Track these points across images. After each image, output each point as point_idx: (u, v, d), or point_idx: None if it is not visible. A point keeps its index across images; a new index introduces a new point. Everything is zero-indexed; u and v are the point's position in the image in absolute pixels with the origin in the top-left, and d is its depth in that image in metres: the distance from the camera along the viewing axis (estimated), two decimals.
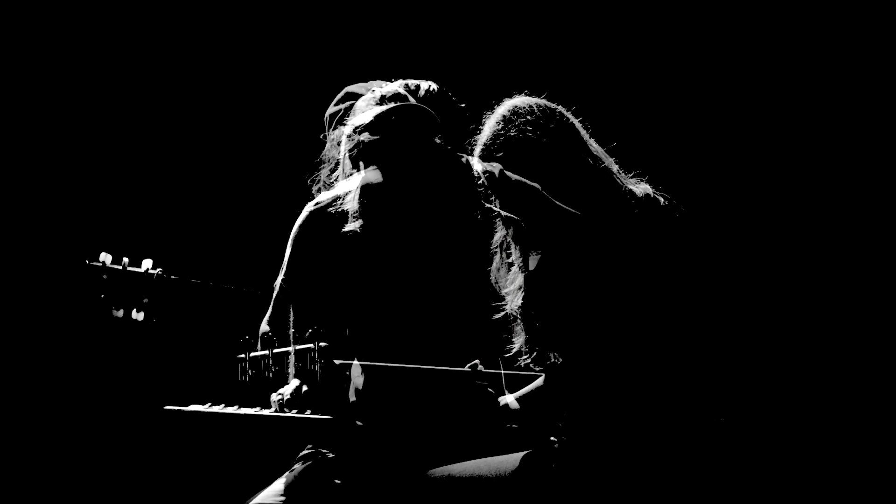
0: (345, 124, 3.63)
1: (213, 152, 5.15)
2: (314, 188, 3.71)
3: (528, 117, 2.95)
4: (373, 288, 3.16)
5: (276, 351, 3.60)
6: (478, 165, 2.90)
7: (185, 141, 5.14)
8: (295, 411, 3.02)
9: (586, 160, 2.94)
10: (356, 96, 3.69)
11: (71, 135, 5.05)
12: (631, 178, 3.02)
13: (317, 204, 3.29)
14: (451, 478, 2.81)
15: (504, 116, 2.96)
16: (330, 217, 3.22)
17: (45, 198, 5.01)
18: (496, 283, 2.99)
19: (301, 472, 3.02)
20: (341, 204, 3.22)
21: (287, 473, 3.03)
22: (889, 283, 4.60)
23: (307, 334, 3.58)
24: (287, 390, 3.05)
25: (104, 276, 3.47)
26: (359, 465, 2.95)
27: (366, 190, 3.19)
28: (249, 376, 3.56)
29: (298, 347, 3.55)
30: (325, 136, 3.73)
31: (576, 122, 3.01)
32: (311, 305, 3.20)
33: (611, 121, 3.16)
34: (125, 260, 3.56)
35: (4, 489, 4.89)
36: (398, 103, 3.15)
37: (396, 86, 3.27)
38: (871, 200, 4.67)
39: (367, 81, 3.76)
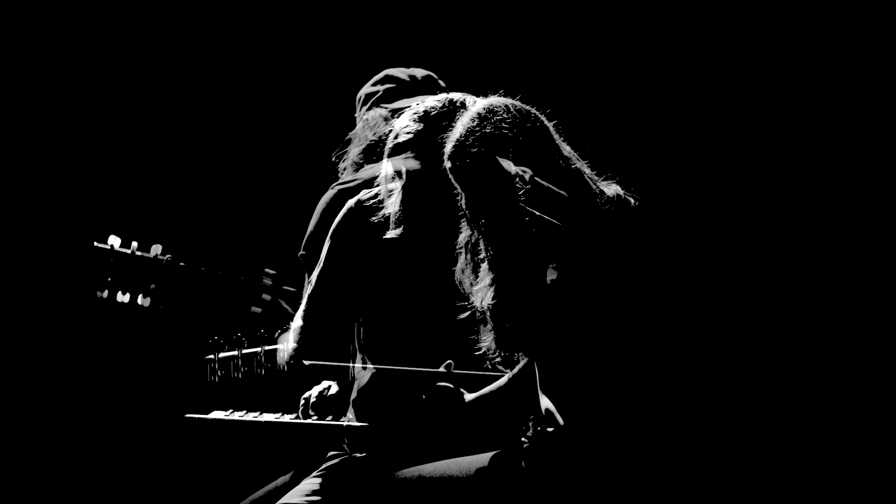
0: (381, 107, 3.56)
1: (231, 141, 5.05)
2: (341, 165, 3.63)
3: (504, 116, 2.94)
4: (405, 292, 3.14)
5: (245, 351, 3.58)
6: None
7: (203, 129, 4.95)
8: (315, 417, 3.06)
9: (557, 161, 2.93)
10: (394, 79, 3.61)
11: (91, 117, 4.84)
12: (602, 180, 3.01)
13: (358, 201, 3.21)
14: (421, 478, 2.85)
15: (479, 114, 2.93)
16: (371, 215, 3.16)
17: (59, 179, 4.82)
18: (460, 283, 2.99)
19: (328, 473, 3.03)
20: (382, 205, 3.15)
21: (314, 473, 3.07)
22: (865, 282, 4.64)
23: (276, 335, 3.56)
24: (314, 392, 3.09)
25: (111, 260, 3.44)
26: (382, 465, 2.99)
27: (408, 196, 3.13)
28: (219, 377, 3.55)
29: (268, 348, 3.54)
30: (357, 116, 3.63)
31: (548, 123, 2.99)
32: (342, 303, 3.15)
33: (584, 124, 3.15)
34: (134, 244, 3.53)
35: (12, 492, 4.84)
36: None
37: (439, 100, 3.24)
38: (848, 197, 4.69)
39: (407, 67, 3.65)
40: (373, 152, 3.56)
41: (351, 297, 3.15)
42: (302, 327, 3.14)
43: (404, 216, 3.12)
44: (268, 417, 3.00)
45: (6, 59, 4.88)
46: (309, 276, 3.33)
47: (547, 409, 2.85)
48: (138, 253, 3.46)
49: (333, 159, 3.68)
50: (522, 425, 2.91)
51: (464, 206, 2.92)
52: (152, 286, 3.48)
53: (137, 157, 5.00)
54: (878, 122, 4.64)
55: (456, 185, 2.91)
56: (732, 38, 4.81)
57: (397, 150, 3.16)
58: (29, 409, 4.89)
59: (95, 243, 3.42)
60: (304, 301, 3.23)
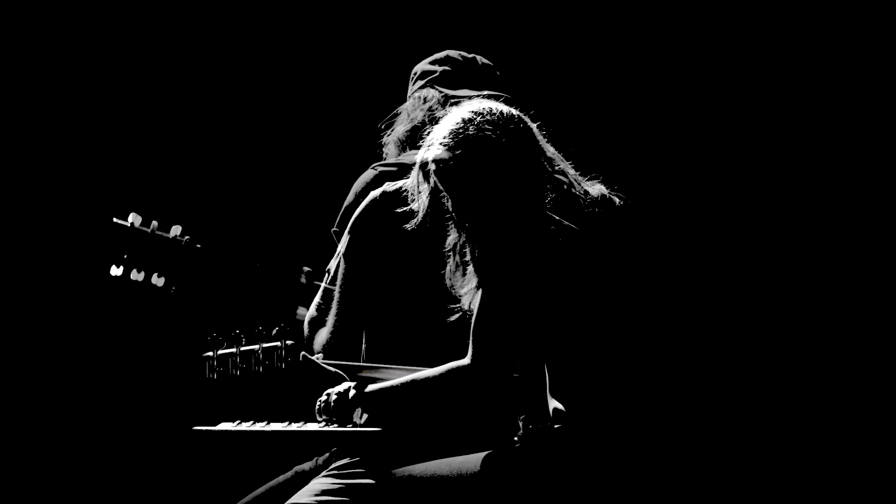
0: (436, 88, 3.50)
1: (258, 127, 4.98)
2: (385, 136, 3.56)
3: (488, 117, 2.97)
4: (424, 291, 3.14)
5: (243, 349, 3.61)
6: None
7: (232, 115, 4.97)
8: (336, 425, 2.99)
9: (541, 162, 2.97)
10: (453, 62, 3.55)
11: (123, 99, 4.93)
12: (587, 180, 3.05)
13: (383, 192, 3.18)
14: (411, 478, 2.88)
15: (464, 117, 2.98)
16: (395, 208, 3.13)
17: (85, 157, 4.88)
18: (451, 285, 3.02)
19: (337, 473, 3.01)
20: (410, 199, 3.08)
21: (324, 473, 3.05)
22: (852, 275, 4.66)
23: (274, 332, 3.59)
24: (333, 396, 3.01)
25: (130, 236, 3.44)
26: (388, 465, 2.99)
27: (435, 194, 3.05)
28: (217, 374, 3.57)
29: (266, 345, 3.57)
30: (409, 92, 3.57)
31: (532, 125, 3.02)
32: (363, 302, 3.15)
33: (568, 125, 3.18)
34: (154, 223, 3.53)
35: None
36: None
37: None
38: (833, 191, 4.72)
39: (466, 51, 3.61)
40: (419, 134, 3.53)
41: (371, 298, 3.15)
42: (312, 321, 3.18)
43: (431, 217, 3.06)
44: (276, 427, 2.98)
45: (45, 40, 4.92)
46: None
47: (556, 409, 2.91)
48: (158, 232, 3.47)
49: (380, 126, 3.58)
50: (514, 425, 2.96)
51: (450, 209, 2.97)
52: (168, 266, 3.49)
53: (165, 140, 5.03)
54: (860, 119, 4.69)
55: (441, 187, 2.96)
56: (715, 35, 4.83)
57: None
58: (34, 402, 4.92)
59: (115, 219, 3.43)
60: (319, 292, 3.24)
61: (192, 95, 5.05)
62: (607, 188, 3.03)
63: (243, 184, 5.05)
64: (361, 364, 3.12)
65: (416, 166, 3.01)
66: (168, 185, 4.94)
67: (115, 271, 3.45)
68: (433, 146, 2.96)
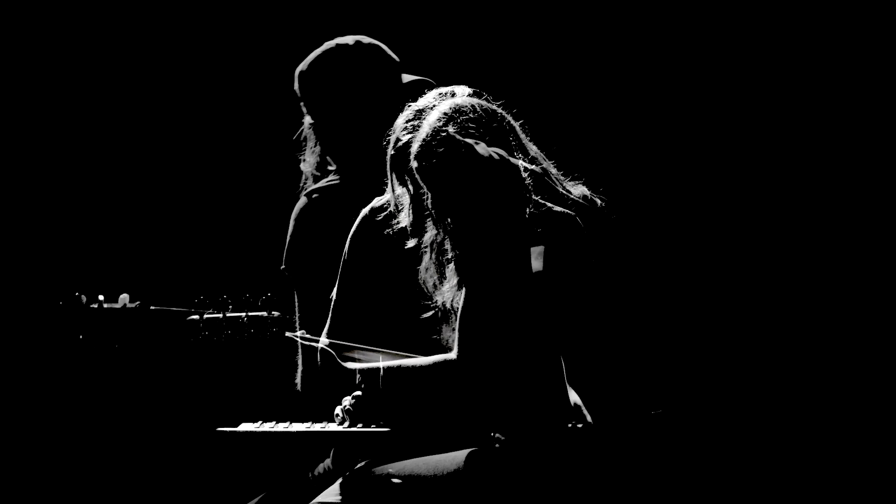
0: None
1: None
2: (301, 164, 3.59)
3: (471, 115, 2.95)
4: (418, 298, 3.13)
5: (229, 315, 3.65)
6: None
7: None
8: (360, 425, 2.98)
9: (524, 161, 2.96)
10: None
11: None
12: (569, 180, 3.04)
13: (372, 208, 3.16)
14: (389, 476, 2.92)
15: (446, 114, 2.95)
16: (387, 223, 3.11)
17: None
18: (423, 282, 3.03)
19: (360, 473, 3.01)
20: (396, 218, 3.08)
21: (347, 474, 3.05)
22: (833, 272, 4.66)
23: (260, 301, 3.64)
24: (349, 401, 3.02)
25: (80, 316, 3.50)
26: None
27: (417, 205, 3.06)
28: (202, 337, 3.63)
29: (252, 314, 3.62)
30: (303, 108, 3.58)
31: (515, 123, 3.00)
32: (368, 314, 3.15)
33: (551, 124, 3.16)
34: (100, 297, 3.58)
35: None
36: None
37: (432, 97, 3.13)
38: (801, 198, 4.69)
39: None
40: (326, 158, 3.54)
41: (375, 308, 3.14)
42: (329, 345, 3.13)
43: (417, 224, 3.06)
44: (298, 427, 2.98)
45: None
46: (297, 291, 3.34)
47: (575, 404, 2.95)
48: (106, 305, 3.52)
49: (300, 159, 3.59)
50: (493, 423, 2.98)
51: (429, 206, 2.96)
52: (124, 333, 3.54)
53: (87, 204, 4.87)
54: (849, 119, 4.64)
55: (422, 184, 2.95)
56: (699, 36, 4.75)
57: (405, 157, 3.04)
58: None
59: (61, 302, 3.48)
60: (329, 319, 3.20)
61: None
62: (590, 190, 3.03)
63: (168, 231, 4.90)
64: (349, 344, 3.13)
65: (388, 165, 3.02)
66: (100, 256, 4.80)
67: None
68: (414, 144, 2.94)
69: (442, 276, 3.00)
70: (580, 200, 2.98)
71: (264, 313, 3.60)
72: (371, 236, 3.13)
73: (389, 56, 3.61)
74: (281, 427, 2.97)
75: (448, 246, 2.96)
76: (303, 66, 3.56)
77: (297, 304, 3.31)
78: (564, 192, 2.98)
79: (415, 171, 2.94)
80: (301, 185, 3.57)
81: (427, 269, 3.02)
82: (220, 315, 3.57)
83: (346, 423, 2.96)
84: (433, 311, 3.00)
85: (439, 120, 2.94)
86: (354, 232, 3.16)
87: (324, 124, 3.53)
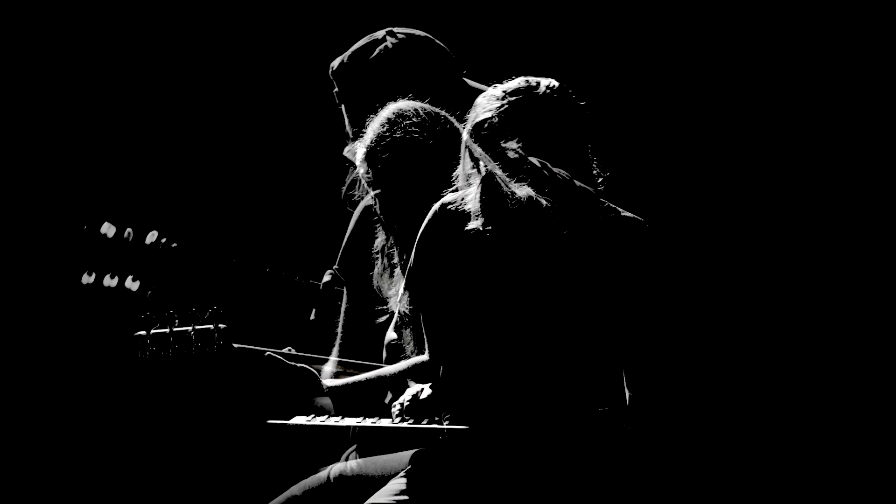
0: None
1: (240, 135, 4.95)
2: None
3: (414, 119, 2.97)
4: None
5: (175, 329, 3.64)
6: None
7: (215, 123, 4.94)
8: (412, 420, 2.96)
9: (469, 163, 2.97)
10: None
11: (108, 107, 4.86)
12: (514, 182, 3.05)
13: (442, 204, 3.05)
14: (341, 477, 2.93)
15: (389, 119, 2.98)
16: (459, 219, 3.03)
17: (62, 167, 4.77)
18: (378, 288, 3.05)
19: (417, 471, 3.00)
20: (463, 203, 3.02)
21: (401, 473, 3.03)
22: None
23: (207, 314, 3.63)
24: (405, 397, 3.00)
25: (102, 244, 3.45)
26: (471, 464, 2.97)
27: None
28: (150, 353, 3.61)
29: (199, 327, 3.61)
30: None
31: (459, 126, 3.02)
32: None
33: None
34: (129, 230, 3.54)
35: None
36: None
37: (518, 82, 3.08)
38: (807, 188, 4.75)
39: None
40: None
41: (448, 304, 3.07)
42: (394, 340, 3.15)
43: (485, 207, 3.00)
44: (350, 422, 2.95)
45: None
46: (347, 291, 3.29)
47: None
48: (132, 239, 3.49)
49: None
50: (437, 421, 3.00)
51: (377, 211, 2.98)
52: (142, 270, 3.51)
53: (144, 147, 4.93)
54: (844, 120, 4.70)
55: (369, 189, 2.97)
56: (699, 36, 4.82)
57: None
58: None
59: (85, 227, 3.44)
60: (395, 314, 3.20)
61: (171, 99, 4.99)
62: (536, 191, 3.03)
63: (230, 185, 4.95)
64: (325, 357, 3.13)
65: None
66: (150, 186, 4.81)
67: (87, 279, 3.48)
68: (359, 148, 2.97)
69: (391, 281, 3.02)
70: (524, 201, 2.99)
71: (211, 326, 3.59)
72: (447, 232, 3.00)
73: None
74: (333, 421, 2.94)
75: (395, 251, 2.98)
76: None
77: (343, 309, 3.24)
78: (509, 192, 2.99)
79: (361, 177, 2.97)
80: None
81: (381, 275, 3.04)
82: (167, 329, 3.55)
83: (400, 420, 2.94)
84: (387, 317, 3.02)
85: (382, 126, 2.97)
86: (428, 227, 3.00)
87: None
